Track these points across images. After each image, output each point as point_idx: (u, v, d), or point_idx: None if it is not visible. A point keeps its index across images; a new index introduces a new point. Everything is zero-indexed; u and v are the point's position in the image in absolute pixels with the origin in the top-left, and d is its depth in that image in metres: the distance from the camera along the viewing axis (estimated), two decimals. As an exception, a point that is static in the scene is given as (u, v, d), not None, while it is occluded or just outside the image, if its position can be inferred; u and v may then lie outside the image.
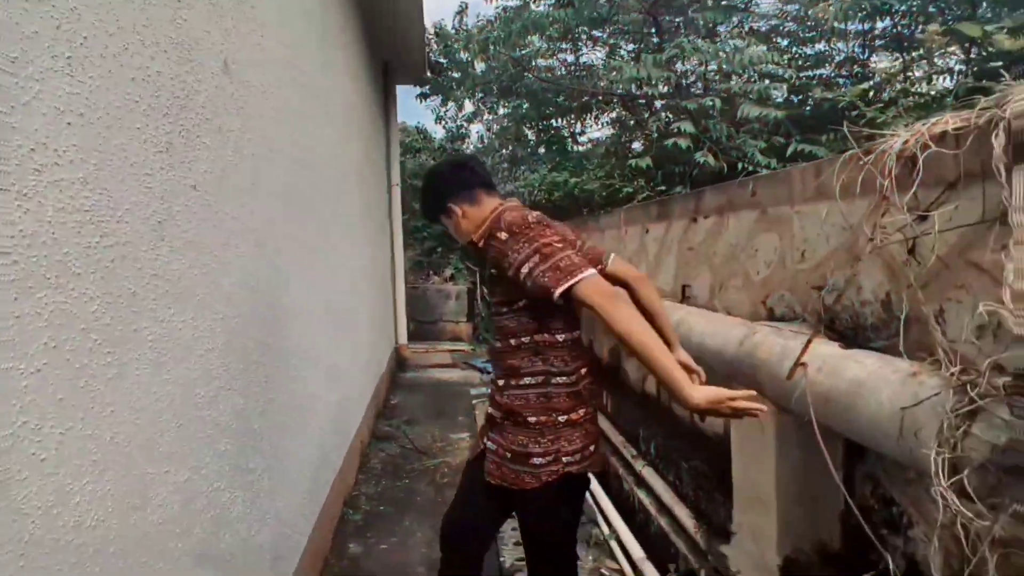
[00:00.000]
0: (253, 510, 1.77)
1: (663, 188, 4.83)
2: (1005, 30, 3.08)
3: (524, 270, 1.47)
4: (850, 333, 1.70)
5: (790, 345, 1.66)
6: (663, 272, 3.20)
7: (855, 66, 7.85)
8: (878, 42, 7.87)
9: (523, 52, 8.10)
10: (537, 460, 1.58)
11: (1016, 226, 1.06)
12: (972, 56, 4.48)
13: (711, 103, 4.58)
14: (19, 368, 0.84)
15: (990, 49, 3.58)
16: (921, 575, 1.46)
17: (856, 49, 8.14)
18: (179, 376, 1.31)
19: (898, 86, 4.42)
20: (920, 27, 5.61)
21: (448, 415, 5.40)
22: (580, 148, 9.71)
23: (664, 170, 5.15)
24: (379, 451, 4.45)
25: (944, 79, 6.04)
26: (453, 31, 10.30)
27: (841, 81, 7.82)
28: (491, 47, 6.77)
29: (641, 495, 2.96)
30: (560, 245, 1.50)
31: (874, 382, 1.32)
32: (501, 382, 1.69)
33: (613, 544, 2.96)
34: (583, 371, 1.70)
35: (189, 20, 1.37)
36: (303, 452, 2.43)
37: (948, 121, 1.31)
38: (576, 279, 1.42)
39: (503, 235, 1.52)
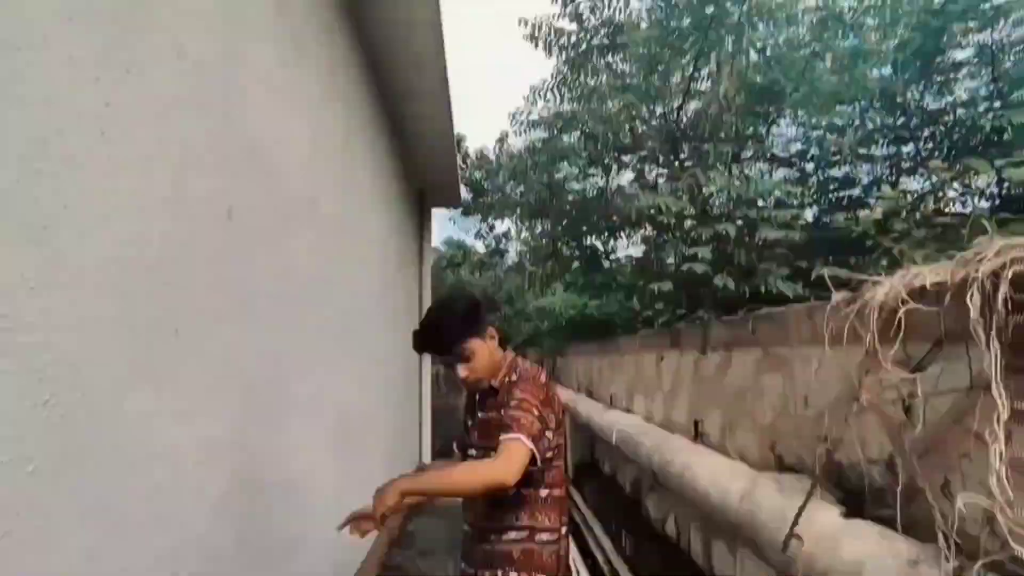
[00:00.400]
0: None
1: (683, 312, 4.76)
2: (1015, 164, 3.04)
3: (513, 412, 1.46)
4: (856, 494, 1.54)
5: (789, 507, 1.51)
6: (678, 404, 3.06)
7: (884, 187, 7.87)
8: (905, 164, 7.93)
9: (555, 177, 8.51)
10: None
11: (999, 401, 0.96)
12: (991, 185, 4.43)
13: (725, 232, 4.61)
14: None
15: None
16: None
17: (883, 170, 8.21)
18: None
19: (918, 213, 4.36)
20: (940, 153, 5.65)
21: (465, 547, 5.07)
22: (613, 265, 9.85)
23: (688, 293, 5.11)
24: (396, 586, 4.16)
25: (978, 199, 5.96)
26: (493, 157, 11.01)
27: (871, 201, 7.83)
28: (526, 172, 7.12)
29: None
30: (537, 413, 1.47)
31: (873, 566, 1.16)
32: (480, 534, 1.58)
33: None
34: (564, 530, 1.58)
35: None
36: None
37: (926, 275, 1.25)
38: (513, 436, 1.40)
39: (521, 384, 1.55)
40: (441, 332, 1.66)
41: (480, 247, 15.50)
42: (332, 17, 2.84)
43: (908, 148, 7.05)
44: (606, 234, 9.60)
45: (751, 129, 6.92)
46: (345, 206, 3.32)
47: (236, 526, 1.78)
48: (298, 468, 2.41)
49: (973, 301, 1.08)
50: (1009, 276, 1.02)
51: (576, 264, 10.06)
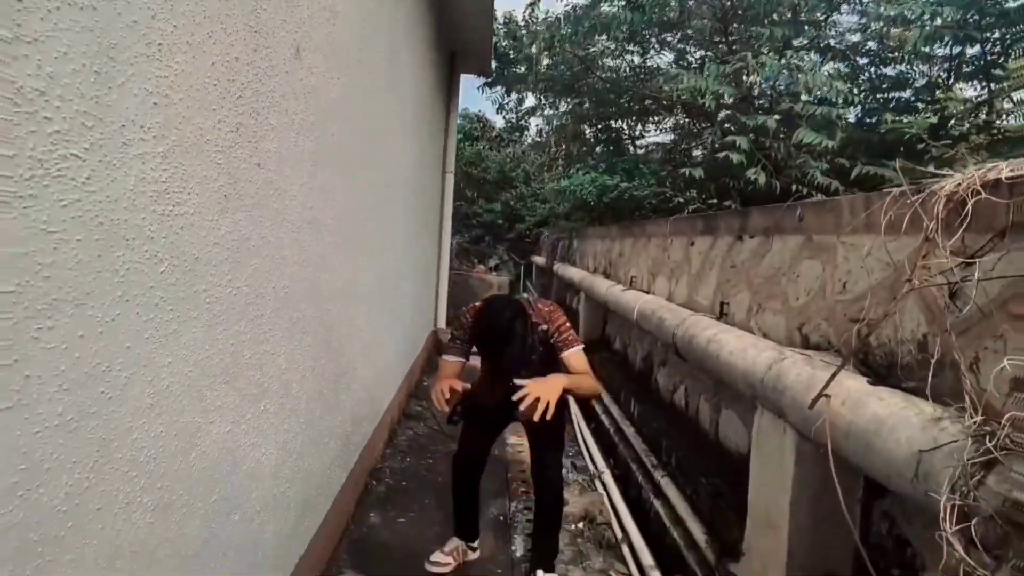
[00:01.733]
0: (285, 468, 1.89)
1: (714, 201, 4.76)
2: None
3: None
4: (883, 370, 1.69)
5: (818, 375, 1.66)
6: (704, 286, 3.19)
7: (938, 91, 7.48)
8: (966, 68, 7.47)
9: (590, 51, 8.06)
10: None
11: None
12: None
13: (768, 123, 4.48)
14: (96, 316, 0.95)
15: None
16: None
17: (941, 74, 7.75)
18: (230, 336, 1.42)
19: (972, 120, 4.22)
20: (1011, 57, 5.31)
21: (477, 402, 5.48)
22: (638, 152, 9.63)
23: (718, 183, 5.07)
24: (407, 429, 4.57)
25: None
26: (523, 23, 10.33)
27: (921, 106, 7.49)
28: (557, 44, 6.77)
29: (658, 505, 2.98)
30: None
31: (895, 421, 1.32)
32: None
33: (625, 549, 2.99)
34: None
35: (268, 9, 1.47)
36: (336, 421, 2.56)
37: (1002, 169, 1.29)
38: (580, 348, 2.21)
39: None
40: (507, 338, 2.10)
41: (500, 122, 14.99)
42: None
43: (974, 50, 6.62)
44: (635, 118, 9.29)
45: (808, 13, 6.46)
46: (392, 61, 3.23)
47: (311, 355, 1.98)
48: (347, 317, 2.60)
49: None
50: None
51: (600, 148, 9.83)
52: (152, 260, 1.09)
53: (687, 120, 8.45)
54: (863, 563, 1.66)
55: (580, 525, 3.24)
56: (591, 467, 3.95)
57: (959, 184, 1.36)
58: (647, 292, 4.09)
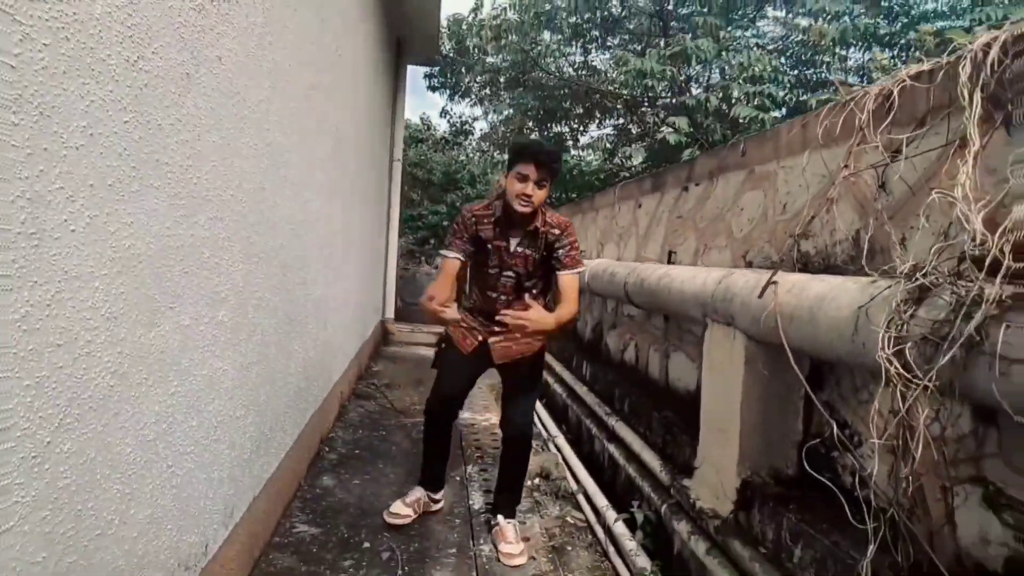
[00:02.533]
0: (241, 393, 1.85)
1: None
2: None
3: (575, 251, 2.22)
4: (822, 271, 1.82)
5: (763, 278, 1.77)
6: (651, 243, 3.32)
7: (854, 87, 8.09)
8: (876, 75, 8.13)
9: (534, 48, 8.26)
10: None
11: (971, 130, 1.18)
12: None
13: (709, 99, 4.74)
14: (60, 154, 0.92)
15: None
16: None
17: (855, 77, 8.40)
18: (190, 225, 1.38)
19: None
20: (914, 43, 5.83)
21: (427, 385, 5.43)
22: (581, 152, 9.89)
23: (656, 164, 5.30)
24: (358, 407, 4.49)
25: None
26: (466, 26, 10.46)
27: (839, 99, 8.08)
28: (504, 34, 6.91)
29: (612, 449, 3.06)
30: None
31: (835, 293, 1.44)
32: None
33: (580, 498, 3.05)
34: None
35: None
36: (290, 368, 2.50)
37: (924, 63, 1.44)
38: (580, 270, 2.25)
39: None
40: (558, 155, 2.25)
41: (444, 126, 15.06)
42: None
43: (887, 54, 7.21)
44: (576, 121, 9.53)
45: (736, 15, 6.87)
46: (340, 44, 3.22)
47: (267, 285, 1.95)
48: (298, 262, 2.57)
49: (963, 68, 1.28)
50: (1001, 40, 1.21)
51: (544, 145, 10.05)
52: (118, 108, 1.06)
53: (627, 118, 8.76)
54: (803, 456, 1.77)
55: (536, 480, 3.27)
56: (544, 433, 4.00)
57: (885, 83, 1.50)
58: (598, 258, 4.20)
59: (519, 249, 2.21)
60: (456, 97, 11.88)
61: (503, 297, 2.28)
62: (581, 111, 8.86)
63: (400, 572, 2.13)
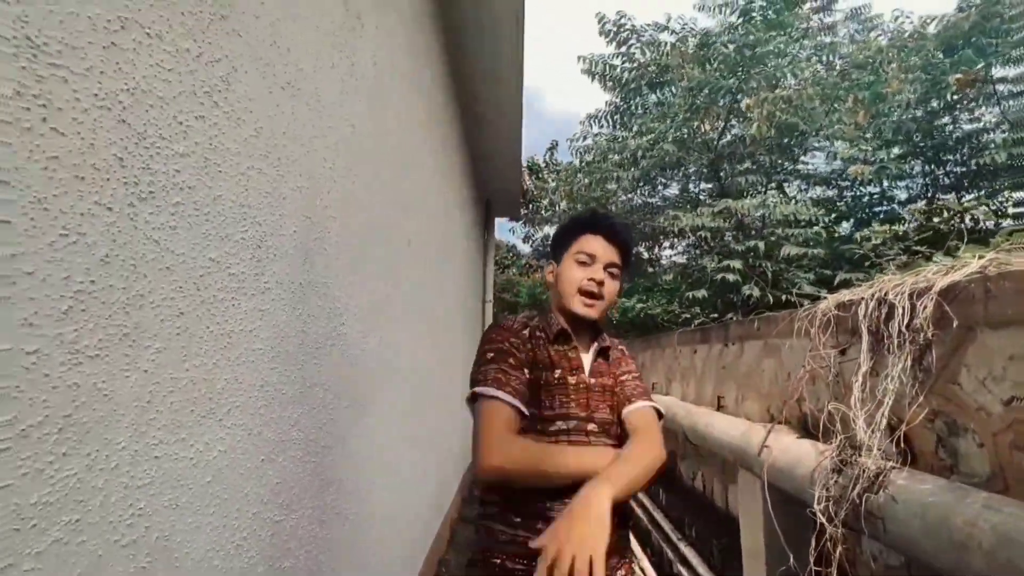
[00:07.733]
0: (422, 489, 2.68)
1: (716, 316, 5.61)
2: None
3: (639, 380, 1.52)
4: (813, 429, 2.45)
5: (770, 435, 2.43)
6: (707, 384, 3.97)
7: (920, 202, 8.51)
8: (944, 182, 8.55)
9: (604, 189, 9.43)
10: None
11: (862, 358, 1.88)
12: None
13: (759, 246, 5.46)
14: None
15: None
16: (854, 602, 2.10)
17: (922, 190, 8.83)
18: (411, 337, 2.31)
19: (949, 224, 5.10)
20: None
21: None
22: (656, 270, 10.71)
23: (721, 299, 5.97)
24: (464, 532, 5.18)
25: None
26: (543, 165, 11.96)
27: (907, 217, 8.47)
28: (576, 192, 8.09)
29: (684, 572, 3.56)
30: None
31: (803, 456, 2.09)
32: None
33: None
34: None
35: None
36: (432, 476, 3.33)
37: (844, 295, 2.16)
38: (652, 403, 1.49)
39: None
40: (631, 231, 1.60)
41: (527, 250, 16.46)
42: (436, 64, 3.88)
43: (941, 171, 7.71)
44: (650, 242, 10.44)
45: (782, 157, 7.69)
46: (445, 204, 4.33)
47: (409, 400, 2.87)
48: (418, 404, 3.46)
49: (859, 312, 2.00)
50: (877, 294, 1.93)
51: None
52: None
53: (697, 242, 9.55)
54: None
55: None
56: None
57: (825, 306, 2.23)
58: (666, 395, 4.84)
59: (594, 380, 1.41)
60: (536, 225, 13.28)
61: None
62: (651, 235, 9.74)
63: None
